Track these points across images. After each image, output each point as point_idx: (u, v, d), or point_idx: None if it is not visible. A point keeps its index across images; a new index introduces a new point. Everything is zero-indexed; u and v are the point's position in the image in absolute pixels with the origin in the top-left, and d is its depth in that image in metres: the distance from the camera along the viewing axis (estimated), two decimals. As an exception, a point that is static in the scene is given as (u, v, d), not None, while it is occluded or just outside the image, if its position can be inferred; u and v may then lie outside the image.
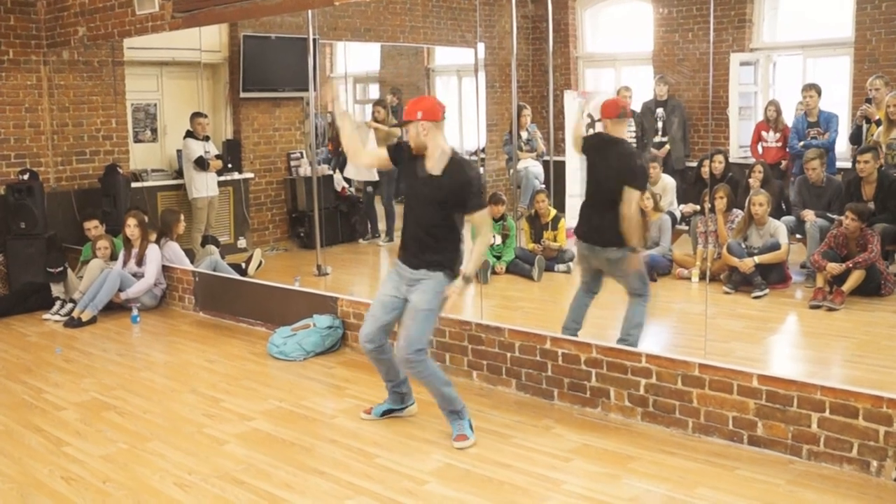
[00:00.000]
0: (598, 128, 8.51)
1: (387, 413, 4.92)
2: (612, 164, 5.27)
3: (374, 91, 12.71)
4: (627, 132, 5.50)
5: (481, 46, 10.27)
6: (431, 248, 4.47)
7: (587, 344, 4.95)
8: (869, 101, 7.89)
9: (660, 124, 9.76)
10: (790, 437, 4.20)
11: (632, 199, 5.16)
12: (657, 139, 9.60)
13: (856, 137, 8.09)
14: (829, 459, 4.09)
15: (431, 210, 4.45)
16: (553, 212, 8.26)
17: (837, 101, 8.94)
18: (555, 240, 8.12)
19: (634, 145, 9.25)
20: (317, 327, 6.18)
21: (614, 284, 5.48)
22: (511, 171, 8.97)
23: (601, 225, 5.26)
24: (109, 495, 4.05)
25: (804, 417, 4.15)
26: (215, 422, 4.97)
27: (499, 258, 8.13)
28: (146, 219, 7.74)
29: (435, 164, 4.43)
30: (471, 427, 4.54)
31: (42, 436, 4.82)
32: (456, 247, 4.53)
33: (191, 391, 5.55)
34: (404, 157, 4.55)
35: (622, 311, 5.42)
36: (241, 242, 9.71)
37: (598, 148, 5.45)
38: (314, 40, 8.39)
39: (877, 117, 7.73)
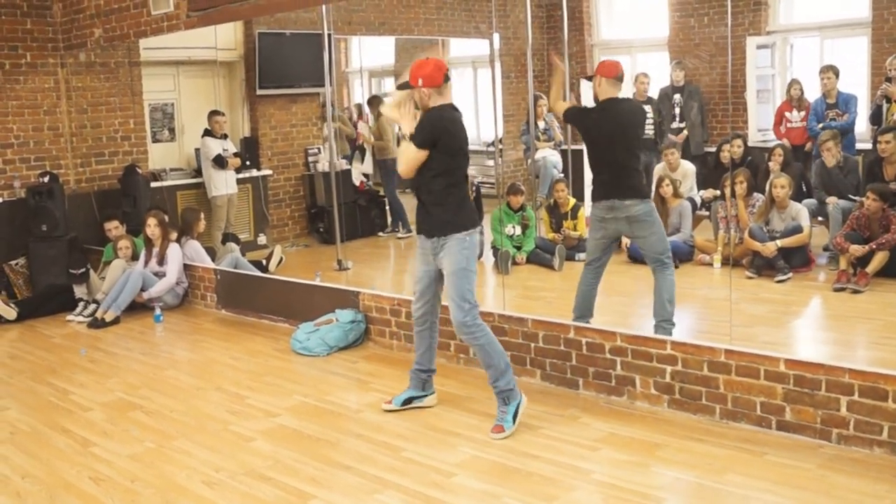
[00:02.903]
0: (586, 85, 8.53)
1: (408, 402, 4.94)
2: (629, 127, 5.35)
3: (389, 84, 12.71)
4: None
5: (496, 37, 10.24)
6: (438, 210, 4.54)
7: (611, 332, 4.92)
8: (889, 80, 7.80)
9: (677, 110, 9.69)
10: (819, 422, 4.16)
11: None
12: (675, 125, 9.54)
13: (876, 117, 8.01)
14: (858, 443, 4.05)
15: (421, 170, 4.53)
16: (572, 201, 8.22)
17: (856, 81, 8.85)
18: (575, 228, 8.09)
19: (653, 132, 9.24)
20: (339, 322, 6.18)
21: (633, 272, 5.46)
22: (529, 161, 8.93)
23: (619, 180, 5.30)
24: (138, 494, 4.07)
25: (833, 401, 4.11)
26: (241, 419, 4.99)
27: (519, 248, 8.10)
28: (166, 218, 7.77)
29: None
30: (515, 416, 4.52)
31: (69, 437, 4.85)
32: (461, 203, 4.59)
33: (215, 389, 5.56)
34: None
35: (648, 299, 5.40)
36: (262, 239, 9.74)
37: (604, 113, 5.42)
38: (329, 35, 8.39)
39: (896, 97, 7.65)
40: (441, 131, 4.46)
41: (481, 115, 10.80)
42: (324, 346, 6.08)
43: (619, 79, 5.41)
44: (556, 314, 5.49)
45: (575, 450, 4.28)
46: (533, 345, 5.24)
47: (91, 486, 4.18)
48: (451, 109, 4.57)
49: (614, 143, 5.34)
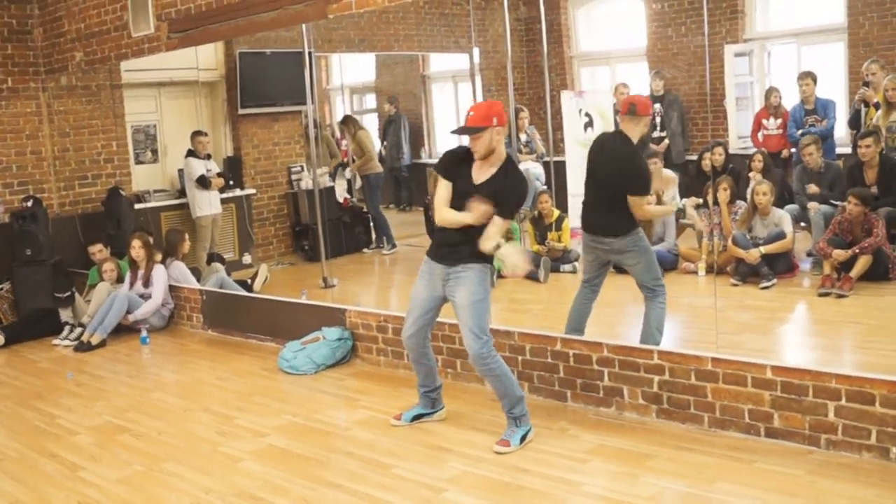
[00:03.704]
0: (597, 126, 8.56)
1: (417, 418, 4.93)
2: (610, 166, 5.23)
3: (370, 101, 12.77)
4: (641, 130, 5.33)
5: (476, 51, 10.30)
6: (461, 241, 4.47)
7: (598, 343, 4.94)
8: (866, 84, 7.88)
9: (658, 119, 9.76)
10: (807, 428, 4.18)
11: (636, 204, 5.16)
12: (656, 134, 9.60)
13: (854, 122, 8.08)
14: (847, 448, 4.07)
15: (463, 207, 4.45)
16: (556, 212, 8.25)
17: (834, 87, 8.94)
18: (559, 240, 8.11)
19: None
20: (326, 340, 6.17)
21: (618, 282, 5.47)
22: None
23: (605, 218, 5.24)
24: (128, 519, 4.06)
25: (820, 407, 4.13)
26: (229, 439, 4.96)
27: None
28: (151, 240, 7.74)
29: (488, 170, 4.44)
30: (523, 438, 4.51)
31: (57, 461, 4.81)
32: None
33: (203, 410, 5.54)
34: (456, 169, 4.53)
35: (633, 307, 5.41)
36: (246, 258, 9.72)
37: (603, 149, 5.39)
38: (310, 53, 8.42)
39: (875, 101, 7.72)
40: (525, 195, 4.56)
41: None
42: (311, 365, 6.07)
43: (631, 113, 5.25)
44: (542, 326, 5.51)
45: (565, 462, 4.28)
46: (520, 358, 5.25)
47: (80, 512, 4.17)
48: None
49: (595, 178, 5.33)
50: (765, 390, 4.30)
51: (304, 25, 7.79)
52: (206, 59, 9.35)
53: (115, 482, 4.47)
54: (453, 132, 4.70)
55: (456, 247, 4.49)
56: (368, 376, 5.94)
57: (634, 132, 5.26)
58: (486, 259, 4.51)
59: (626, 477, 4.07)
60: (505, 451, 4.44)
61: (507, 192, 4.41)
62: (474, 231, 4.44)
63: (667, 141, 9.65)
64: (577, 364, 5.01)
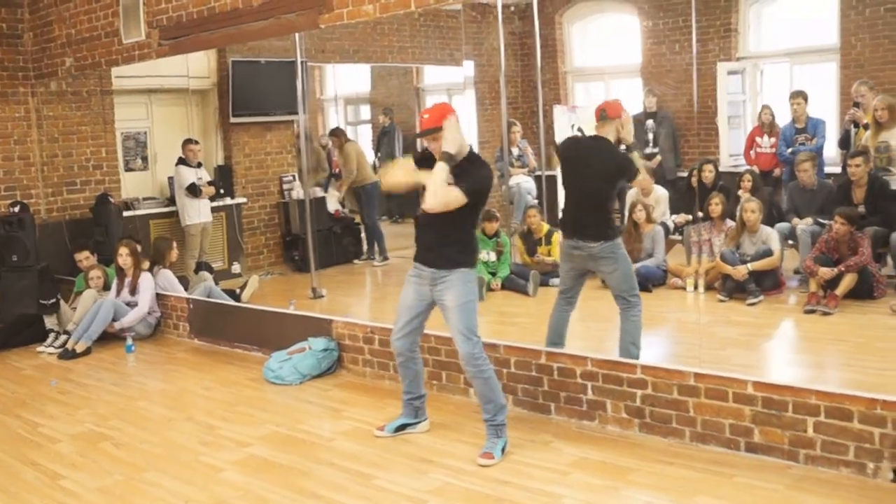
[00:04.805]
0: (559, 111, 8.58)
1: (401, 428, 4.93)
2: (595, 165, 5.27)
3: (365, 112, 12.79)
4: (614, 133, 5.40)
5: (470, 64, 10.33)
6: (445, 246, 4.51)
7: (582, 357, 4.94)
8: (857, 105, 7.94)
9: (650, 136, 9.81)
10: (787, 443, 4.19)
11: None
12: (648, 150, 9.63)
13: (844, 142, 8.14)
14: (826, 463, 4.08)
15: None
16: (546, 227, 8.26)
17: (825, 107, 9.00)
18: (549, 254, 8.12)
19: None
20: (312, 350, 6.15)
21: (608, 296, 5.46)
22: (503, 187, 8.97)
23: (587, 221, 5.26)
24: (106, 527, 4.03)
25: (800, 422, 4.14)
26: (212, 449, 4.94)
27: (494, 274, 8.12)
28: (138, 247, 7.72)
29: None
30: (503, 450, 4.52)
31: (38, 470, 4.78)
32: (469, 241, 4.60)
33: (187, 419, 5.52)
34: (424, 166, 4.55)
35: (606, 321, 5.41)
36: (236, 268, 9.70)
37: (578, 149, 5.45)
38: (303, 63, 8.43)
39: (865, 121, 7.77)
40: (489, 188, 4.54)
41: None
42: (297, 375, 6.05)
43: (603, 118, 5.38)
44: (530, 339, 5.49)
45: (547, 475, 4.27)
46: (505, 370, 5.24)
47: (58, 521, 4.15)
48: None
49: (581, 183, 5.34)
50: (745, 405, 4.30)
51: (297, 35, 7.81)
52: (198, 66, 9.36)
53: (94, 491, 4.45)
54: (417, 136, 4.72)
55: (439, 250, 4.53)
56: (354, 387, 5.92)
57: (609, 135, 5.35)
58: (472, 263, 4.57)
59: (607, 490, 4.07)
60: (489, 463, 4.43)
61: (469, 172, 4.43)
62: (456, 234, 4.50)
63: (659, 157, 9.69)
64: (561, 377, 5.00)
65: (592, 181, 5.25)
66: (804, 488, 3.93)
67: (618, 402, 4.78)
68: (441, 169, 4.37)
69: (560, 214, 5.66)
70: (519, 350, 5.21)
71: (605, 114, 5.38)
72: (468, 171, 4.43)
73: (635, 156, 5.39)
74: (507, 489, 4.14)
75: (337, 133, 10.52)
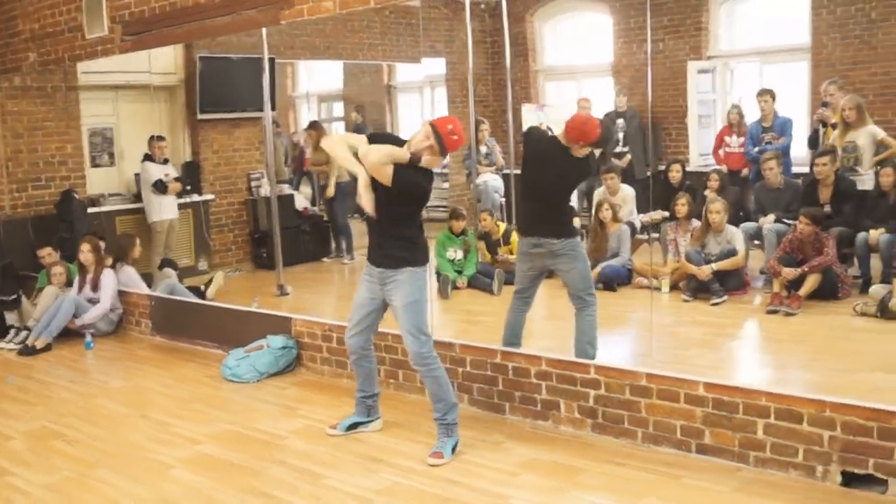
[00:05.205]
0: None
1: (352, 427, 4.91)
2: (558, 166, 5.19)
3: (338, 109, 12.71)
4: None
5: (439, 61, 10.28)
6: (392, 245, 4.51)
7: (537, 357, 4.92)
8: (825, 104, 7.94)
9: (620, 134, 9.76)
10: (737, 445, 4.18)
11: None
12: (618, 149, 9.61)
13: (813, 141, 8.14)
14: (775, 466, 4.07)
15: (383, 209, 4.45)
16: (503, 227, 8.25)
17: (796, 106, 8.99)
18: (511, 253, 8.09)
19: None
20: (270, 348, 6.12)
21: (564, 293, 5.42)
22: (471, 185, 8.95)
23: (547, 218, 5.21)
24: (49, 526, 3.99)
25: (750, 424, 4.13)
26: (163, 446, 4.90)
27: (460, 273, 8.09)
28: (101, 244, 7.65)
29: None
30: (454, 449, 4.51)
31: (-13, 466, 4.75)
32: (416, 240, 4.58)
33: (141, 416, 5.47)
34: None
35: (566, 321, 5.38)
36: (202, 264, 9.62)
37: (542, 146, 5.34)
38: (271, 59, 8.36)
39: (833, 121, 7.78)
40: (420, 195, 4.53)
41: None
42: (254, 373, 6.01)
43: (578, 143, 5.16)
44: (494, 338, 5.41)
45: (496, 475, 4.26)
46: (461, 369, 5.22)
47: (1, 518, 4.10)
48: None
49: (540, 180, 5.28)
50: (697, 406, 4.30)
51: (263, 31, 7.74)
52: (165, 62, 9.26)
53: (42, 488, 4.42)
54: (442, 151, 4.50)
55: (387, 249, 4.53)
56: (311, 385, 5.88)
57: (577, 153, 5.19)
58: (420, 262, 4.55)
59: (554, 491, 4.05)
60: (439, 463, 4.41)
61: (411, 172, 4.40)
62: (401, 231, 4.50)
63: (629, 156, 9.67)
64: (515, 377, 4.98)
65: (554, 181, 5.20)
66: (751, 490, 3.93)
67: (571, 403, 4.76)
68: (392, 149, 4.38)
69: (521, 215, 5.62)
70: (474, 349, 5.19)
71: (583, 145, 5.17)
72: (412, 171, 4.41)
73: None
74: (456, 489, 4.12)
75: (316, 127, 10.33)
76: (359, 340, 4.74)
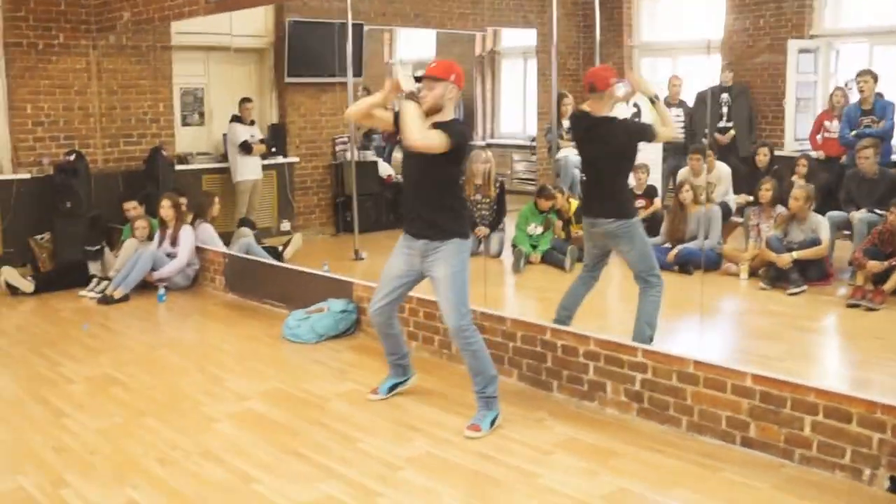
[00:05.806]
0: (644, 117, 8.27)
1: (393, 388, 4.92)
2: (602, 143, 5.07)
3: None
4: (609, 105, 5.10)
5: (533, 32, 10.12)
6: (437, 215, 4.40)
7: (586, 336, 4.80)
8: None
9: (725, 109, 9.37)
10: (783, 440, 3.99)
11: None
12: (721, 124, 9.25)
13: (917, 129, 7.68)
14: (820, 465, 3.87)
15: (431, 171, 4.36)
16: (574, 204, 8.06)
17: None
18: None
19: (683, 137, 8.98)
20: (330, 311, 6.17)
21: (627, 274, 5.28)
22: (552, 159, 8.80)
23: (599, 197, 5.13)
24: (92, 467, 4.12)
25: (797, 420, 3.94)
26: (213, 400, 5.01)
27: (535, 247, 7.99)
28: (182, 200, 7.84)
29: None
30: (493, 423, 4.45)
31: (45, 406, 4.94)
32: (461, 210, 4.52)
33: (199, 370, 5.60)
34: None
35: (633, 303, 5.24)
36: (285, 225, 9.79)
37: (585, 126, 5.22)
38: (359, 26, 8.36)
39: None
40: (466, 142, 4.44)
41: (528, 109, 10.69)
42: (313, 334, 6.07)
43: (591, 90, 5.06)
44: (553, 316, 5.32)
45: (530, 452, 4.18)
46: (511, 344, 5.15)
47: (51, 455, 4.25)
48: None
49: (590, 159, 5.24)
50: (743, 398, 4.12)
51: (347, -5, 7.76)
52: (255, 25, 9.41)
53: (92, 431, 4.57)
54: (416, 77, 4.46)
55: (430, 219, 4.42)
56: (366, 350, 5.90)
57: (604, 109, 5.07)
58: (466, 233, 4.47)
59: (585, 473, 3.95)
60: (476, 435, 4.36)
61: (447, 125, 4.31)
62: (444, 200, 4.39)
63: (732, 132, 9.29)
64: (564, 355, 4.88)
65: (602, 159, 5.09)
66: (791, 490, 3.74)
67: (618, 385, 4.64)
68: (409, 104, 4.26)
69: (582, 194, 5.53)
70: (525, 325, 5.11)
71: (594, 87, 5.03)
72: (446, 125, 4.31)
73: (658, 107, 5.13)
74: (486, 464, 4.07)
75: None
76: (383, 315, 4.65)
